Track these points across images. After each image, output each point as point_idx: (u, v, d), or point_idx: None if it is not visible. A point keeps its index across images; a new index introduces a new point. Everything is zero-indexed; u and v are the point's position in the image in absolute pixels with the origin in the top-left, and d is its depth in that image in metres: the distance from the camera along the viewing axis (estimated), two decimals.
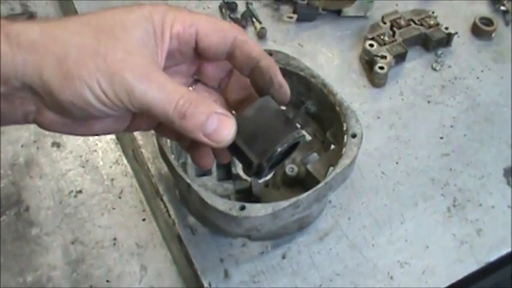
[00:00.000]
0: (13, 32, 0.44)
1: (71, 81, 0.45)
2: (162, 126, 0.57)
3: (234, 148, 0.51)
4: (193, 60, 0.56)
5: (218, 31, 0.53)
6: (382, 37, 0.93)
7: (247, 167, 0.53)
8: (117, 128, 0.54)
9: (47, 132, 0.86)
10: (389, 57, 0.91)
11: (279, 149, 0.51)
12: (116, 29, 0.47)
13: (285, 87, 0.56)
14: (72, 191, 0.81)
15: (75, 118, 0.49)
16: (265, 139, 0.52)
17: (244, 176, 0.73)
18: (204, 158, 0.57)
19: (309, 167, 0.72)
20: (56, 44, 0.45)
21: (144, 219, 0.80)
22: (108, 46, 0.46)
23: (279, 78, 0.55)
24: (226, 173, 0.75)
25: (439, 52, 0.97)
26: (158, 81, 0.47)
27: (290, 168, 0.74)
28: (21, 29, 0.44)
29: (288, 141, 0.52)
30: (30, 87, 0.46)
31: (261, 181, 0.73)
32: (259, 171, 0.53)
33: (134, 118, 0.54)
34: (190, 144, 0.58)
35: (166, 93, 0.47)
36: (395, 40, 0.93)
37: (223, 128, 0.49)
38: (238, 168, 0.74)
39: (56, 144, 0.85)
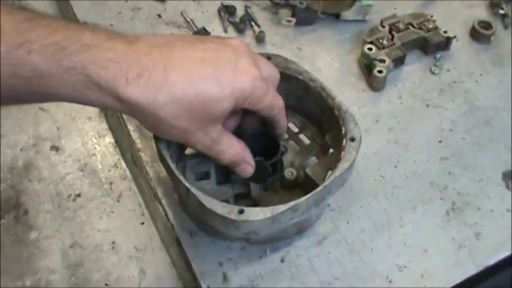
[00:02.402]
0: (127, 103, 0.58)
1: (159, 135, 0.66)
2: None
3: None
4: None
5: (268, 108, 0.67)
6: (380, 41, 0.93)
7: None
8: None
9: (45, 136, 0.86)
10: (388, 61, 0.91)
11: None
12: (204, 117, 0.61)
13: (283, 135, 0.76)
14: (71, 195, 0.81)
15: None
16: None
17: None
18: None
19: (307, 170, 0.72)
20: (157, 119, 0.60)
21: (142, 223, 0.80)
22: (195, 130, 0.62)
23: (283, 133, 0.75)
24: (225, 177, 0.75)
25: (438, 56, 0.97)
26: (219, 148, 0.66)
27: (289, 172, 0.74)
28: (134, 104, 0.58)
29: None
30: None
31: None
32: None
33: None
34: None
35: (225, 156, 0.67)
36: (394, 44, 0.93)
37: (247, 172, 0.71)
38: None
39: (55, 148, 0.85)
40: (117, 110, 0.65)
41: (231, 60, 0.62)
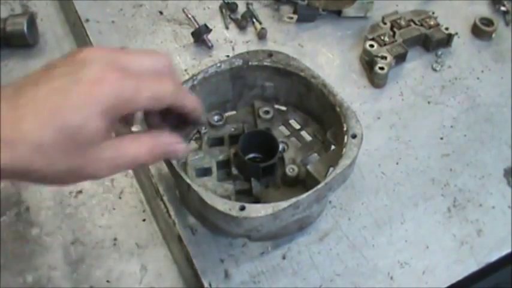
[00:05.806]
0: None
1: (54, 185, 0.58)
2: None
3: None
4: None
5: (154, 101, 0.57)
6: (382, 37, 0.93)
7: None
8: None
9: None
10: (389, 58, 0.91)
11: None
12: (80, 148, 0.54)
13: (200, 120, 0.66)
14: (72, 192, 0.81)
15: None
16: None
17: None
18: None
19: (309, 167, 0.72)
20: (32, 175, 0.53)
21: (144, 220, 0.80)
22: (81, 164, 0.54)
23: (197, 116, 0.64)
24: (227, 174, 0.75)
25: (439, 52, 0.97)
26: (126, 160, 0.57)
27: (290, 168, 0.74)
28: (4, 171, 0.51)
29: None
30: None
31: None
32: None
33: None
34: None
35: (140, 160, 0.58)
36: (396, 40, 0.93)
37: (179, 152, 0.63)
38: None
39: None
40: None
41: (78, 79, 0.54)
